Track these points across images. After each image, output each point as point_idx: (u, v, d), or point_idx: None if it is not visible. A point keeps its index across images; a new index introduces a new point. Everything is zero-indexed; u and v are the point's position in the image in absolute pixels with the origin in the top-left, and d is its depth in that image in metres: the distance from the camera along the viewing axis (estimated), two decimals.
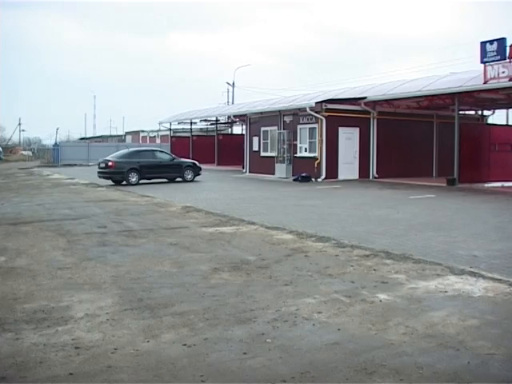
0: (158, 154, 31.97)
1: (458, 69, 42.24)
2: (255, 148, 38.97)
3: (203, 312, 6.80)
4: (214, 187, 27.74)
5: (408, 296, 7.45)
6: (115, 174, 29.98)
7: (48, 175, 40.70)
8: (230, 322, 6.42)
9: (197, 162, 32.89)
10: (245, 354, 5.50)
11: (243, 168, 40.78)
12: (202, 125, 59.53)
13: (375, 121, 33.45)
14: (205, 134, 61.78)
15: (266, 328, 6.21)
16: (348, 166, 32.52)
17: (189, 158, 39.86)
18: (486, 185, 28.87)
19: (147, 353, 5.54)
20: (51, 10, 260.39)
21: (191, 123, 55.41)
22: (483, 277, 8.46)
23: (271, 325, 6.31)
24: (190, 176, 31.57)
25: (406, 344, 5.73)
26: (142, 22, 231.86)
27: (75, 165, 57.41)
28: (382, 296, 7.42)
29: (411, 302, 7.19)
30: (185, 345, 5.74)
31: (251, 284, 8.15)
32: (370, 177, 33.22)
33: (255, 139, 38.99)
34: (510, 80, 24.92)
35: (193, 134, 56.85)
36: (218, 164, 52.24)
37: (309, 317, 6.57)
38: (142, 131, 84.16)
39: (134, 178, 29.75)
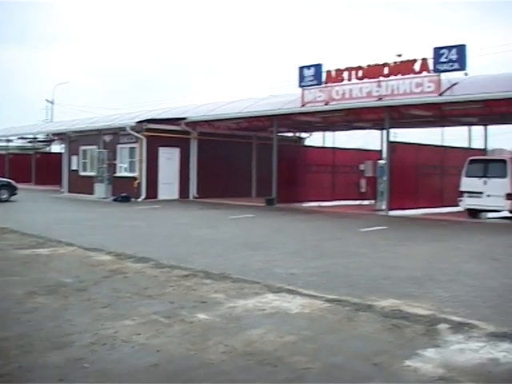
0: None
1: (277, 92, 43.83)
2: (74, 167, 38.04)
3: (17, 338, 6.47)
4: (31, 207, 26.71)
5: (227, 315, 7.50)
6: None
7: None
8: (46, 348, 6.15)
9: (13, 181, 31.41)
10: (61, 380, 5.28)
11: (62, 188, 39.62)
12: (20, 142, 57.28)
13: (196, 141, 33.73)
14: (22, 152, 59.44)
15: (83, 352, 6.01)
16: (168, 186, 32.49)
17: (4, 177, 38.17)
18: (304, 204, 29.96)
19: None
20: None
21: (8, 141, 53.20)
22: (300, 294, 8.69)
23: (89, 349, 6.12)
24: (5, 196, 30.05)
25: (226, 363, 5.75)
26: None
27: None
28: (202, 316, 7.42)
29: (230, 320, 7.25)
30: None
31: (68, 307, 7.88)
32: (191, 197, 33.37)
33: (74, 158, 38.07)
34: (325, 104, 26.05)
35: (9, 152, 54.56)
36: (36, 183, 50.33)
37: (128, 339, 6.43)
38: None
39: None
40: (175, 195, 32.85)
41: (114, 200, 31.19)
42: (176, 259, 11.83)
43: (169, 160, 32.65)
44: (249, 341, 6.42)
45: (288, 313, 7.65)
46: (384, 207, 24.92)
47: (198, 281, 9.67)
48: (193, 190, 33.70)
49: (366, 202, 30.00)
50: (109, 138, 34.05)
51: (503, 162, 22.95)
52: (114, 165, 33.52)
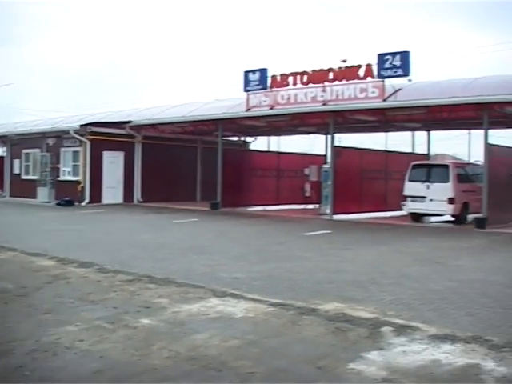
0: None
1: (223, 96, 43.95)
2: (16, 171, 37.39)
3: None
4: None
5: (171, 320, 7.45)
6: None
7: None
8: None
9: None
10: None
11: (3, 192, 38.88)
12: None
13: (140, 145, 33.52)
14: None
15: (24, 360, 5.87)
16: (112, 190, 32.18)
17: None
18: (249, 208, 29.99)
19: None
20: None
21: None
22: (244, 298, 8.68)
23: (30, 356, 5.99)
24: None
25: (170, 368, 5.70)
26: None
27: None
28: (146, 321, 7.35)
29: (174, 325, 7.20)
30: None
31: (9, 314, 7.72)
32: (135, 201, 33.13)
33: (16, 161, 37.42)
34: (270, 108, 26.14)
35: None
36: None
37: (70, 345, 6.33)
38: None
39: None
40: (119, 199, 32.55)
41: (58, 204, 30.72)
42: (120, 264, 11.71)
43: (113, 164, 32.34)
44: (193, 345, 6.38)
45: (232, 317, 7.64)
46: (328, 211, 25.09)
47: (142, 285, 9.59)
48: (137, 194, 33.46)
49: (310, 207, 30.18)
50: (52, 141, 33.57)
51: (446, 166, 23.39)
52: (58, 168, 33.05)
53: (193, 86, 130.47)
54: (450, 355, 6.10)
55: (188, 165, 35.79)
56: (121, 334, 6.80)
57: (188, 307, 8.10)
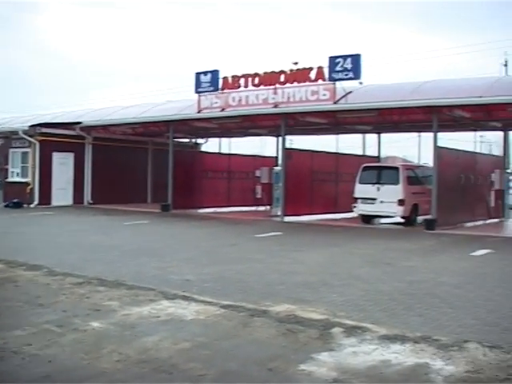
0: None
1: (174, 97, 43.67)
2: None
3: None
4: None
5: (121, 323, 7.38)
6: None
7: None
8: None
9: None
10: None
11: None
12: None
13: (91, 146, 33.16)
14: None
15: None
16: (62, 191, 31.75)
17: None
18: (200, 210, 29.92)
19: None
20: None
21: None
22: (195, 300, 8.65)
23: None
24: None
25: (120, 371, 5.65)
26: None
27: None
28: (95, 324, 7.27)
29: (124, 328, 7.14)
30: None
31: None
32: (85, 203, 32.75)
33: None
34: (222, 110, 26.12)
35: None
36: None
37: (18, 350, 6.22)
38: None
39: None
40: (69, 201, 32.13)
41: (6, 206, 30.19)
42: (69, 266, 11.57)
43: (63, 165, 31.92)
44: (143, 348, 6.34)
45: (183, 319, 7.60)
46: (279, 213, 25.14)
47: (92, 288, 9.48)
48: (87, 195, 33.08)
49: (261, 208, 30.29)
50: (0, 142, 33.01)
51: (396, 169, 23.65)
52: (6, 170, 32.48)
53: (146, 88, 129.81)
54: (399, 355, 6.17)
55: (139, 166, 35.53)
56: (70, 338, 6.71)
57: (138, 310, 8.04)
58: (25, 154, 31.56)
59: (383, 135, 32.76)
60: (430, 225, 20.99)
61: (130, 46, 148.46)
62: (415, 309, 8.53)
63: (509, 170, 28.18)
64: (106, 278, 10.31)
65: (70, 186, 32.41)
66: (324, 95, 23.08)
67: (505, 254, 15.51)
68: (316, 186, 27.34)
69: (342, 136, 38.44)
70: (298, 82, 23.75)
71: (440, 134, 22.34)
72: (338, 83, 22.96)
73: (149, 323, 7.41)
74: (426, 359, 6.04)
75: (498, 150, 44.92)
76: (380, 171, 24.10)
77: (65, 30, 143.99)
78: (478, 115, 24.12)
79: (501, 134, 28.98)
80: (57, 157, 31.59)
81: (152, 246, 15.59)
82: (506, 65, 55.21)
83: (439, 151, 21.58)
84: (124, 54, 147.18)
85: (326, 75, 22.93)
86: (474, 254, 15.06)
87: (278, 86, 24.24)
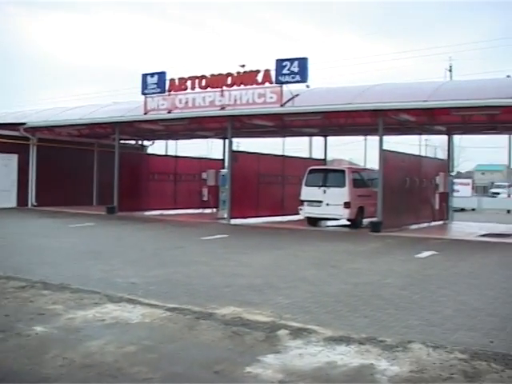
0: None
1: (122, 99, 43.32)
2: None
3: None
4: None
5: (65, 327, 7.29)
6: None
7: None
8: None
9: None
10: None
11: None
12: None
13: (35, 148, 32.66)
14: None
15: None
16: (5, 193, 31.18)
17: None
18: (146, 213, 29.74)
19: None
20: None
21: None
22: (141, 303, 8.59)
23: None
24: None
25: (64, 376, 5.58)
26: None
27: None
28: (39, 328, 7.16)
29: (69, 332, 7.05)
30: None
31: None
32: (30, 205, 32.24)
33: None
34: (168, 112, 26.01)
35: None
36: None
37: None
38: None
39: None
40: (13, 203, 31.61)
41: None
42: (12, 270, 11.36)
43: (6, 167, 31.36)
44: (88, 352, 6.27)
45: (128, 323, 7.55)
46: (226, 216, 25.14)
47: (36, 292, 9.34)
48: (32, 198, 32.56)
49: (208, 211, 30.24)
50: None
51: (342, 171, 23.86)
52: None
53: (91, 90, 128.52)
54: (345, 356, 6.22)
55: (85, 168, 35.11)
56: (13, 343, 6.60)
57: (83, 313, 7.95)
58: None
59: (329, 138, 33.04)
60: (375, 227, 21.24)
61: (76, 47, 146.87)
62: (361, 310, 8.62)
63: (453, 173, 28.72)
64: (51, 282, 10.17)
65: (13, 187, 31.89)
66: (271, 98, 23.14)
67: (449, 256, 15.75)
68: (262, 189, 27.43)
69: (288, 139, 38.71)
70: (245, 85, 23.77)
71: (386, 137, 22.65)
72: (284, 86, 23.03)
73: (94, 327, 7.33)
74: (372, 360, 6.10)
75: (442, 154, 45.81)
76: (326, 174, 24.27)
77: (7, 29, 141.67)
78: (423, 119, 24.50)
79: (445, 137, 29.61)
80: (0, 158, 31.02)
81: (97, 249, 15.44)
82: (450, 70, 56.27)
83: (385, 154, 21.85)
84: (71, 55, 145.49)
85: (273, 78, 22.99)
86: (418, 255, 15.29)
87: (225, 88, 24.22)
